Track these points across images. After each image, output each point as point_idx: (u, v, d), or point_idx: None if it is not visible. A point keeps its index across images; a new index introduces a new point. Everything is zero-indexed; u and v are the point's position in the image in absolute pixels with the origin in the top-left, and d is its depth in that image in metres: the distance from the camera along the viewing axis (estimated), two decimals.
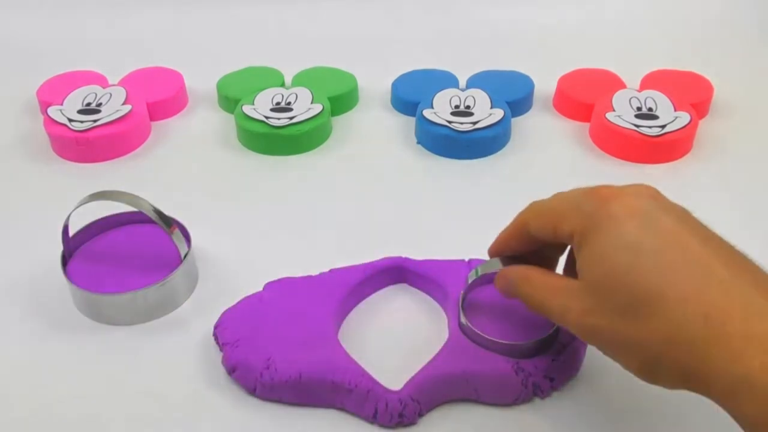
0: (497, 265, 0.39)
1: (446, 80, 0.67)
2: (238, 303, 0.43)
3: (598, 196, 0.32)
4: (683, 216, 0.32)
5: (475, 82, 0.66)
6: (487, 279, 0.42)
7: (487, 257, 0.40)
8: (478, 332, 0.39)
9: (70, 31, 0.79)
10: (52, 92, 0.65)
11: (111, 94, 0.63)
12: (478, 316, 0.41)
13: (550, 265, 0.39)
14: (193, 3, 0.81)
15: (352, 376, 0.38)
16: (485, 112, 0.60)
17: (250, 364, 0.39)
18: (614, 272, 0.30)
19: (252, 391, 0.39)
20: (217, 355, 0.41)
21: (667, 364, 0.29)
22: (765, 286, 0.29)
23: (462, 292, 0.42)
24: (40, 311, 0.45)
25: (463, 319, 0.40)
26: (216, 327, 0.42)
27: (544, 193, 0.58)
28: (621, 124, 0.59)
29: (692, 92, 0.64)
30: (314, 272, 0.45)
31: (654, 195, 0.33)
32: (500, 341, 0.39)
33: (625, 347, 0.31)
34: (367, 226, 0.52)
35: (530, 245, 0.37)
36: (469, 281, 0.42)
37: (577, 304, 0.32)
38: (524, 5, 0.80)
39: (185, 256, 0.45)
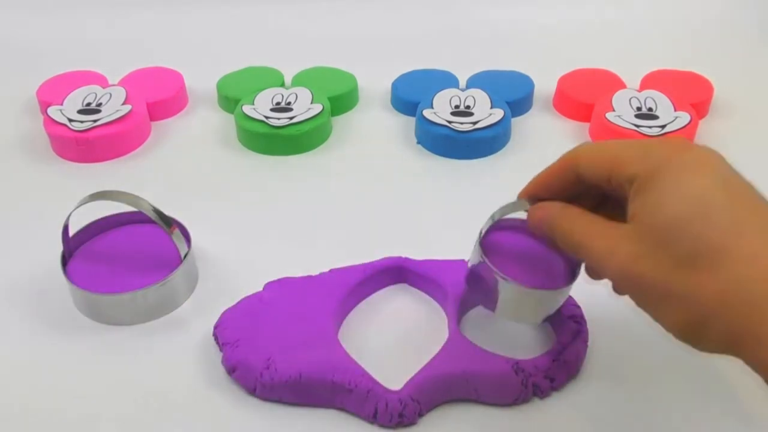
0: (522, 207, 0.37)
1: (446, 80, 0.67)
2: (238, 303, 0.43)
3: (670, 145, 0.31)
4: (746, 180, 0.31)
5: (475, 82, 0.66)
6: (502, 226, 0.39)
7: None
8: (497, 271, 0.36)
9: (70, 31, 0.79)
10: (52, 92, 0.65)
11: (111, 94, 0.63)
12: (496, 259, 0.37)
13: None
14: (193, 3, 0.81)
15: (352, 376, 0.38)
16: (485, 112, 0.60)
17: (250, 364, 0.39)
18: (678, 221, 0.29)
19: (252, 391, 0.39)
20: (217, 355, 0.41)
21: (715, 324, 0.28)
22: None
23: (479, 237, 0.38)
24: (40, 311, 0.45)
25: (482, 257, 0.36)
26: (216, 327, 0.42)
27: None
28: (621, 124, 0.59)
29: (692, 92, 0.64)
30: (314, 272, 0.45)
31: (721, 156, 0.32)
32: (522, 283, 0.36)
33: (673, 301, 0.29)
34: (367, 226, 0.52)
35: (573, 188, 0.35)
36: (484, 229, 0.38)
37: (625, 248, 0.30)
38: (524, 5, 0.80)
39: (185, 256, 0.45)
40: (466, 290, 0.41)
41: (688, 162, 0.30)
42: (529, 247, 0.39)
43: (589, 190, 0.34)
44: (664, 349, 0.42)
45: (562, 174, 0.35)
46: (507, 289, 0.36)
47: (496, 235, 0.39)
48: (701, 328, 0.29)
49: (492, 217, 0.38)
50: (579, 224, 0.33)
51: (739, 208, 0.29)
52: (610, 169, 0.32)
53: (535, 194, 0.37)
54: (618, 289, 0.34)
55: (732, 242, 0.28)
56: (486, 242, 0.38)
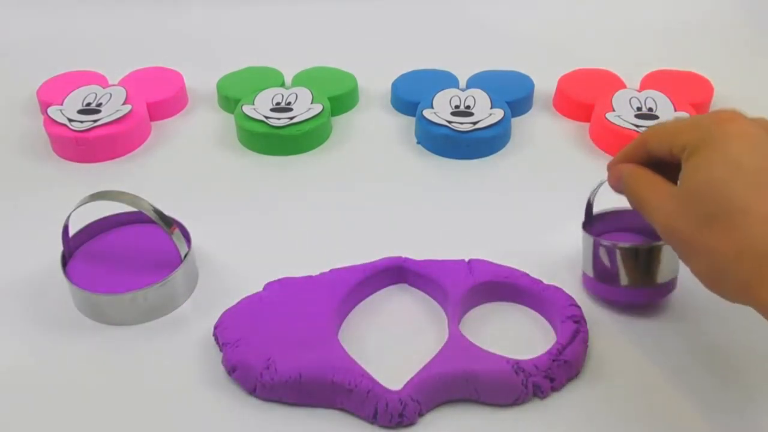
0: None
1: (446, 80, 0.67)
2: (238, 303, 0.43)
3: (717, 117, 0.34)
4: None
5: (475, 82, 0.66)
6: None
7: (483, 256, 0.40)
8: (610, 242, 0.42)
9: (70, 31, 0.79)
10: (52, 92, 0.65)
11: (111, 94, 0.63)
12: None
13: None
14: (193, 3, 0.81)
15: (352, 376, 0.38)
16: (485, 112, 0.60)
17: (250, 364, 0.39)
18: (708, 183, 0.32)
19: (252, 391, 0.39)
20: (217, 355, 0.41)
21: (732, 275, 0.31)
22: None
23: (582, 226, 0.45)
24: (40, 311, 0.45)
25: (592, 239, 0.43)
26: (216, 327, 0.42)
27: (544, 193, 0.58)
28: (621, 124, 0.59)
29: (692, 92, 0.64)
30: (314, 272, 0.45)
31: (765, 125, 0.34)
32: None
33: (699, 253, 0.33)
34: (366, 226, 0.52)
35: (646, 162, 0.38)
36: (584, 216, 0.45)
37: (668, 205, 0.34)
38: (524, 5, 0.80)
39: (185, 256, 0.45)
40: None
41: (730, 132, 0.33)
42: (626, 225, 0.46)
43: (662, 165, 0.38)
44: (664, 349, 0.42)
45: (636, 153, 0.39)
46: (624, 254, 0.42)
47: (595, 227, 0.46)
48: (721, 277, 0.32)
49: (589, 199, 0.45)
50: (642, 181, 0.37)
51: (763, 174, 0.32)
52: (670, 142, 0.36)
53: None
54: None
55: (750, 203, 0.31)
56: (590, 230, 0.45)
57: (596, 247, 0.43)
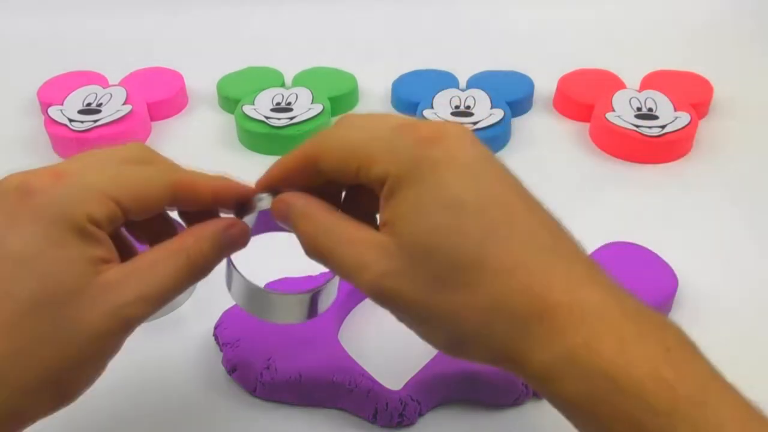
0: (262, 205, 0.31)
1: (446, 80, 0.67)
2: None
3: (416, 136, 0.27)
4: (505, 171, 0.28)
5: (475, 82, 0.66)
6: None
7: None
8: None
9: (70, 31, 0.79)
10: (52, 92, 0.65)
11: (111, 95, 0.63)
12: None
13: (333, 201, 0.31)
14: (193, 3, 0.80)
15: (352, 376, 0.38)
16: (485, 113, 0.60)
17: (250, 364, 0.39)
18: (434, 233, 0.26)
19: (252, 391, 0.39)
20: (217, 355, 0.41)
21: (481, 340, 0.26)
22: (585, 257, 0.27)
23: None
24: None
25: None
26: (216, 327, 0.42)
27: (544, 193, 0.57)
28: (621, 125, 0.59)
29: (692, 92, 0.64)
30: (314, 272, 0.45)
31: (474, 139, 0.28)
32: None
33: (432, 320, 0.26)
34: None
35: (316, 182, 0.30)
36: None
37: (379, 262, 0.26)
38: (524, 5, 0.80)
39: None
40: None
41: (439, 159, 0.26)
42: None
43: (335, 185, 0.30)
44: None
45: (300, 169, 0.30)
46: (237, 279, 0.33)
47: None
48: (467, 345, 0.26)
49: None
50: (324, 226, 0.28)
51: (493, 212, 0.26)
52: (357, 168, 0.28)
53: (273, 186, 0.31)
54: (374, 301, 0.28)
55: (488, 253, 0.25)
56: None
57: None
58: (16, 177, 0.29)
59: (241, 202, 0.32)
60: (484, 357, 0.27)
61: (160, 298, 0.28)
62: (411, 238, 0.26)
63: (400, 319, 0.28)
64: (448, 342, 0.27)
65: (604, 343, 0.24)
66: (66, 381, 0.28)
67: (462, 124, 0.29)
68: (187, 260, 0.29)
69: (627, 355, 0.24)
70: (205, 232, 0.30)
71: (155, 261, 0.28)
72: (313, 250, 0.29)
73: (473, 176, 0.26)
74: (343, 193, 0.32)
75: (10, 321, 0.26)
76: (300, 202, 0.30)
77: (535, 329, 0.25)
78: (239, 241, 0.31)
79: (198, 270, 0.29)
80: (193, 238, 0.29)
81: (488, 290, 0.25)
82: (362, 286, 0.27)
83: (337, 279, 0.34)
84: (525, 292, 0.25)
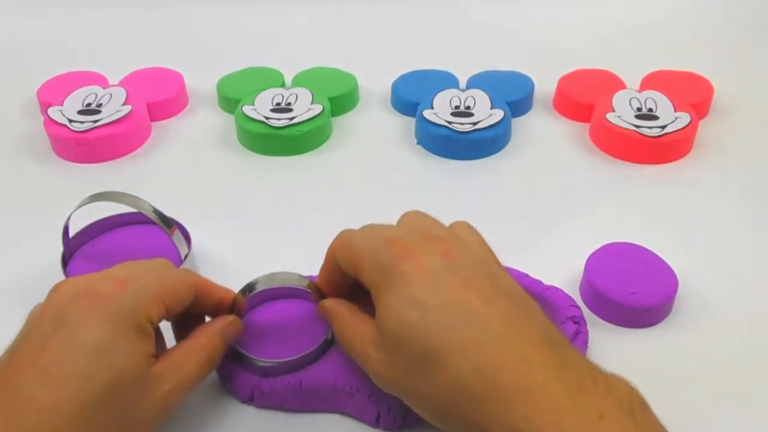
0: (292, 282, 0.40)
1: (446, 80, 0.67)
2: None
3: (394, 253, 0.33)
4: (474, 275, 0.33)
5: (475, 82, 0.66)
6: (265, 296, 0.42)
7: None
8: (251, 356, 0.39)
9: (70, 31, 0.79)
10: (52, 93, 0.65)
11: (111, 95, 0.63)
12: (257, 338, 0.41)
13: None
14: (193, 3, 0.81)
15: (354, 380, 0.38)
16: (485, 113, 0.60)
17: (245, 374, 0.39)
18: (404, 327, 0.32)
19: (249, 400, 0.39)
20: None
21: (453, 415, 0.31)
22: (544, 338, 0.31)
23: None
24: None
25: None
26: None
27: (544, 193, 0.58)
28: (621, 125, 0.59)
29: (692, 92, 0.64)
30: (314, 273, 0.45)
31: (445, 253, 0.34)
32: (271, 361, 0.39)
33: (418, 398, 0.32)
34: None
35: (346, 277, 0.37)
36: (249, 295, 0.40)
37: (374, 354, 0.34)
38: (524, 5, 0.80)
39: (185, 257, 0.45)
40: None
41: (408, 272, 0.32)
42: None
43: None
44: (663, 350, 0.42)
45: (332, 269, 0.38)
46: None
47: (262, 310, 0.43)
48: (445, 418, 0.31)
49: (249, 287, 0.40)
50: (346, 326, 0.36)
51: (450, 308, 0.31)
52: (356, 272, 0.35)
53: (322, 287, 0.40)
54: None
55: (448, 339, 0.30)
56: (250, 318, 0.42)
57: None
58: (79, 282, 0.35)
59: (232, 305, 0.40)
60: (461, 428, 0.31)
61: (191, 387, 0.36)
62: (389, 333, 0.32)
63: (403, 400, 0.33)
64: (432, 416, 0.32)
65: (543, 417, 0.28)
66: None
67: (441, 240, 0.35)
68: (206, 355, 0.36)
69: (560, 425, 0.28)
70: (214, 329, 0.37)
71: (183, 357, 0.36)
72: (341, 342, 0.37)
73: (435, 281, 0.32)
74: None
75: (90, 404, 0.31)
76: (332, 305, 0.38)
77: (489, 406, 0.29)
78: (239, 332, 0.39)
79: (214, 360, 0.37)
80: (205, 337, 0.37)
81: (449, 371, 0.30)
82: (370, 374, 0.35)
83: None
84: (478, 372, 0.30)
